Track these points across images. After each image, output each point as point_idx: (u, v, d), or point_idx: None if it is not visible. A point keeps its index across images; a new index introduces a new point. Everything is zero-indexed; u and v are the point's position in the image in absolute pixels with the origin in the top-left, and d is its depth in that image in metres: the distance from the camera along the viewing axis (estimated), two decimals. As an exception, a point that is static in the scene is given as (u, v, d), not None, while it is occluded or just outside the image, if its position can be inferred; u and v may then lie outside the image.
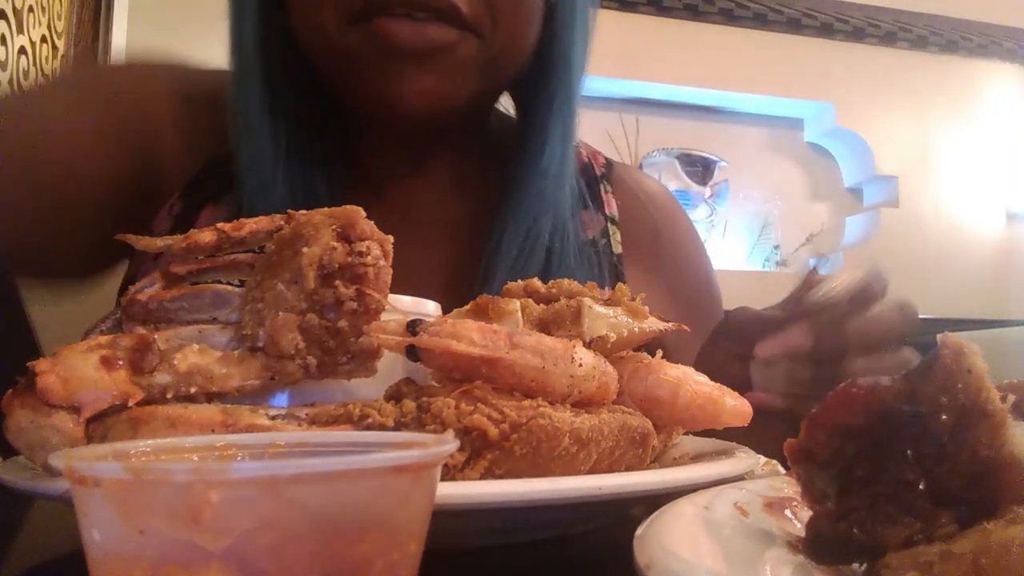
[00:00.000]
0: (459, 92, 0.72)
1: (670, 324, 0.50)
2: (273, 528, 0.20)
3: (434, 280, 0.78)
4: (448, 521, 0.27)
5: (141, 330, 0.42)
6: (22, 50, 1.76)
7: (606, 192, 0.90)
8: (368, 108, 0.76)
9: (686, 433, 0.54)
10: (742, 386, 0.53)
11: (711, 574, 0.24)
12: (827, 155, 2.87)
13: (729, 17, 2.67)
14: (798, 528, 0.31)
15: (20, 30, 1.74)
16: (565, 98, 0.79)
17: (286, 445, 0.27)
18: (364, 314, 0.42)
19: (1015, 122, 2.90)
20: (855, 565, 0.26)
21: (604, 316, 0.47)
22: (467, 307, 0.47)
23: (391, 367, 0.44)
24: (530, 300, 0.49)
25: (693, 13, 2.63)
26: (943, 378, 0.26)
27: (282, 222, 0.44)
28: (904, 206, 2.73)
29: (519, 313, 0.46)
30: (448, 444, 0.24)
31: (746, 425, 0.47)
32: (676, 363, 0.48)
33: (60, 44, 2.02)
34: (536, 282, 0.53)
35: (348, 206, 0.43)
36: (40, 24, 1.87)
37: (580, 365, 0.40)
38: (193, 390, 0.40)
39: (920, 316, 0.59)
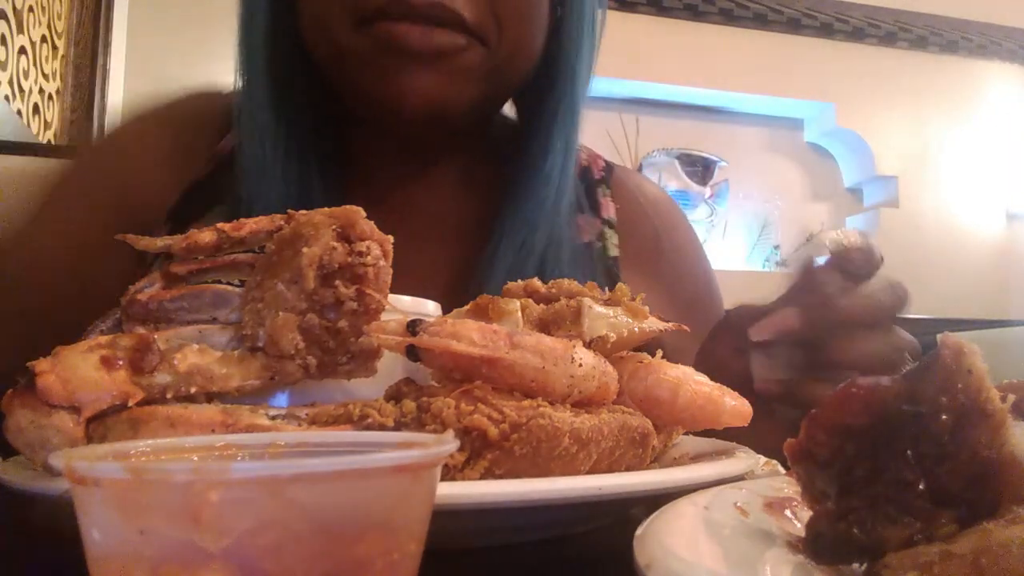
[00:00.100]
0: (462, 97, 0.72)
1: (670, 324, 0.50)
2: (273, 528, 0.20)
3: (434, 280, 0.78)
4: (448, 521, 0.27)
5: (141, 330, 0.42)
6: (22, 50, 1.77)
7: (604, 196, 0.90)
8: (372, 110, 0.76)
9: (686, 433, 0.54)
10: (743, 381, 0.53)
11: (711, 574, 0.24)
12: (827, 155, 2.87)
13: (729, 17, 2.67)
14: (798, 528, 0.31)
15: (20, 30, 1.74)
16: (569, 109, 0.79)
17: (286, 445, 0.27)
18: (364, 314, 0.42)
19: (1015, 122, 2.90)
20: (855, 565, 0.26)
21: (604, 316, 0.47)
22: (467, 307, 0.47)
23: (391, 367, 0.44)
24: (530, 300, 0.49)
25: (693, 13, 2.64)
26: (943, 378, 0.26)
27: (282, 222, 0.44)
28: (904, 206, 2.74)
29: (519, 313, 0.46)
30: (448, 444, 0.24)
31: (746, 425, 0.47)
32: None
33: (60, 44, 2.02)
34: (536, 282, 0.53)
35: (348, 206, 0.43)
36: (40, 24, 1.87)
37: (580, 365, 0.40)
38: (193, 390, 0.40)
39: (920, 316, 0.59)
